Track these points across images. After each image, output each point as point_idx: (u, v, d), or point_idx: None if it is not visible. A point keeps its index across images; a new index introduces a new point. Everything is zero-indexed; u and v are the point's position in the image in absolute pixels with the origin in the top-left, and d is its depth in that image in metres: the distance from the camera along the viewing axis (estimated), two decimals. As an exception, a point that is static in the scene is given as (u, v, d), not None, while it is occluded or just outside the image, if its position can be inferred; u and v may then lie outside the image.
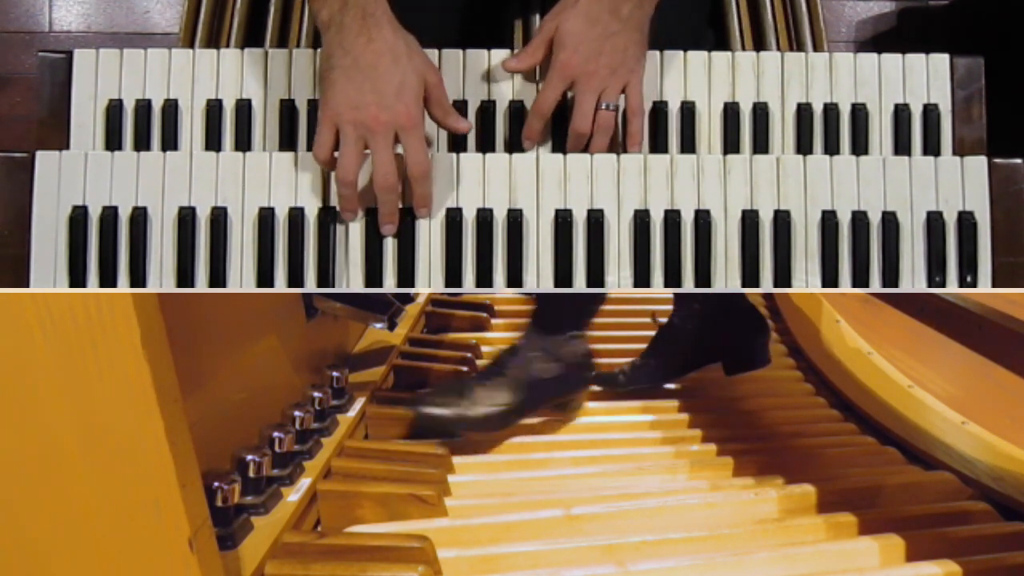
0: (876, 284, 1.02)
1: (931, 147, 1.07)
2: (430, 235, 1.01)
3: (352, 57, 0.95)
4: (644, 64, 1.03)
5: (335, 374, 1.30)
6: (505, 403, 1.28)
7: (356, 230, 1.01)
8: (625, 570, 0.98)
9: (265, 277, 1.01)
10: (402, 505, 1.07)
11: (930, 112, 1.07)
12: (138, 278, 1.00)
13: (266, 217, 1.01)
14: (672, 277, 1.01)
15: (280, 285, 1.01)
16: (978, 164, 1.03)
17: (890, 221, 1.02)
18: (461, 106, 1.06)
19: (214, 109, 1.06)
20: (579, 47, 1.00)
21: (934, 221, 1.02)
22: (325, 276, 1.01)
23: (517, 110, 1.06)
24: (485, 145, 1.06)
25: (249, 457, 1.00)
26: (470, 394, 1.27)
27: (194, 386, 0.93)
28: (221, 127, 1.06)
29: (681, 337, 1.48)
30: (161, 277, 1.01)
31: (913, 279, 1.03)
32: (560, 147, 1.05)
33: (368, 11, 0.95)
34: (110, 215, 1.00)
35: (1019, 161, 1.04)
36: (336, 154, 0.98)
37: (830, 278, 1.02)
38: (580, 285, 1.01)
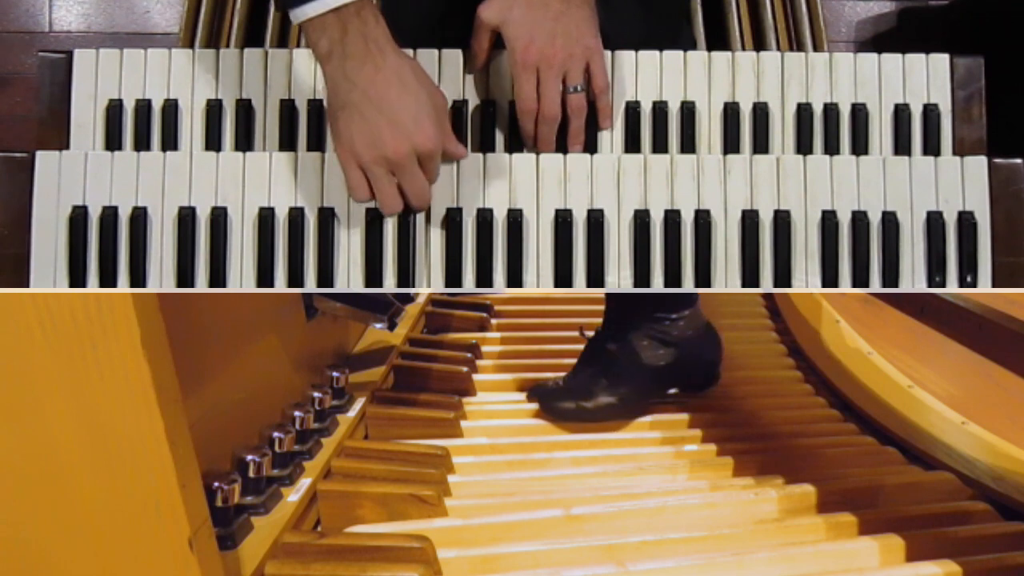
0: (876, 284, 1.02)
1: (931, 147, 1.07)
2: (430, 235, 1.01)
3: (360, 90, 0.93)
4: (599, 39, 1.02)
5: (335, 374, 1.30)
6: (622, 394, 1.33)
7: (356, 230, 1.01)
8: (625, 570, 0.98)
9: (265, 277, 1.01)
10: (402, 505, 1.07)
11: (930, 112, 1.07)
12: (138, 278, 1.00)
13: (266, 217, 1.01)
14: (672, 277, 1.01)
15: (280, 285, 1.01)
16: (978, 164, 1.03)
17: (890, 221, 1.02)
18: (461, 106, 1.06)
19: (214, 109, 1.06)
20: (533, 36, 0.99)
21: (934, 221, 1.02)
22: (325, 276, 1.01)
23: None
24: (485, 145, 1.06)
25: (249, 457, 1.00)
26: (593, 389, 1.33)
27: (194, 386, 0.93)
28: (221, 127, 1.06)
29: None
30: (161, 277, 1.01)
31: (913, 279, 1.03)
32: (560, 147, 1.05)
33: (370, 36, 0.93)
34: (110, 215, 1.00)
35: (1019, 161, 1.04)
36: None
37: (830, 278, 1.02)
38: (580, 285, 1.01)
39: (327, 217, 1.01)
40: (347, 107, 0.94)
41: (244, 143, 1.05)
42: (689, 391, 1.44)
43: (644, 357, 1.34)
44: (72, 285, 1.00)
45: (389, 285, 1.01)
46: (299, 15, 0.92)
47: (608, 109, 1.04)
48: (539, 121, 1.02)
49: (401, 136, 0.94)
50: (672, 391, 1.42)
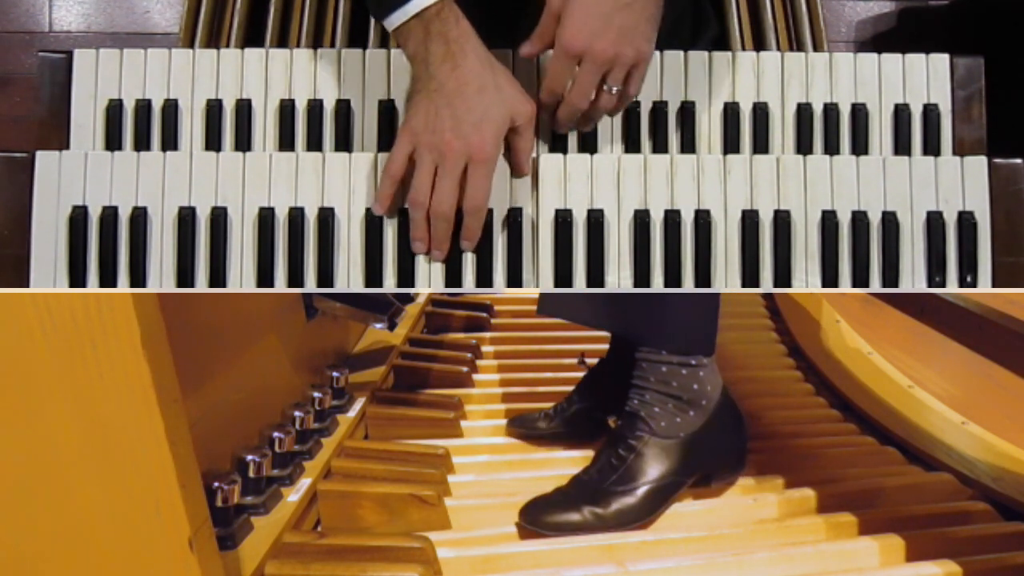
0: (876, 284, 1.02)
1: (931, 147, 1.07)
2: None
3: (438, 81, 0.94)
4: (653, 47, 0.97)
5: (335, 374, 1.30)
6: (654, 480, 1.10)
7: (356, 230, 1.01)
8: (625, 570, 0.98)
9: (265, 277, 1.01)
10: (402, 505, 1.07)
11: (930, 112, 1.07)
12: (138, 278, 1.00)
13: (266, 217, 1.01)
14: (672, 277, 1.01)
15: (280, 285, 1.01)
16: (978, 164, 1.03)
17: (890, 221, 1.02)
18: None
19: (214, 109, 1.06)
20: (587, 21, 0.93)
21: (934, 221, 1.02)
22: (325, 276, 1.01)
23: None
24: (485, 145, 1.05)
25: (249, 457, 1.00)
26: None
27: (194, 386, 0.93)
28: (221, 127, 1.06)
29: (613, 379, 1.29)
30: (161, 277, 1.01)
31: (913, 279, 1.03)
32: (559, 147, 1.05)
33: (450, 38, 0.94)
34: (110, 215, 1.00)
35: (1019, 161, 1.04)
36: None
37: (830, 278, 1.02)
38: (580, 285, 1.01)
39: (327, 217, 1.01)
40: (421, 93, 0.96)
41: (244, 143, 1.05)
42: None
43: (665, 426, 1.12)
44: (72, 285, 1.00)
45: (389, 285, 1.01)
46: (389, 24, 0.96)
47: (620, 110, 1.04)
48: (563, 104, 0.99)
49: (457, 132, 0.94)
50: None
